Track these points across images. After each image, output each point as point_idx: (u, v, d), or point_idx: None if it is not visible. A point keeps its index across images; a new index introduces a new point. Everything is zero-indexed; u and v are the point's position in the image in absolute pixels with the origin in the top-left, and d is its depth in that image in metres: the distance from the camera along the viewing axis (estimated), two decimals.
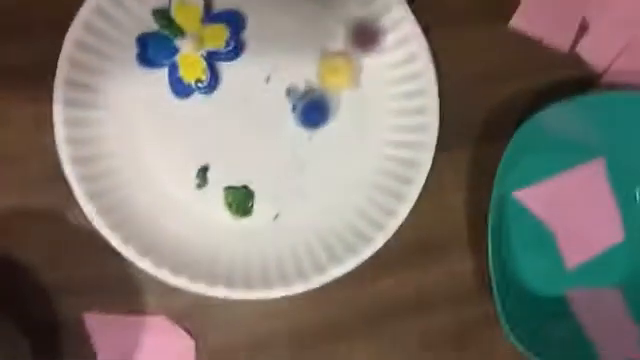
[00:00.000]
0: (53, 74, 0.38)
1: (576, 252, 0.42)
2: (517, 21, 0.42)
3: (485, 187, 0.39)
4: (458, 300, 0.42)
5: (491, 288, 0.38)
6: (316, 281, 0.39)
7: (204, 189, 0.41)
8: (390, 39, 0.40)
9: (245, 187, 0.41)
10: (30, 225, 0.39)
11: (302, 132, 0.41)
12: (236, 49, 0.40)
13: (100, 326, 0.40)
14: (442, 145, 0.40)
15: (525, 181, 0.41)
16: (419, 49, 0.40)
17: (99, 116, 0.39)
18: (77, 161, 0.38)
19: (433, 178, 0.40)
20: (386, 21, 0.40)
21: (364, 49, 0.40)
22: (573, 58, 0.42)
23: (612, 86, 0.42)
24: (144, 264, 0.38)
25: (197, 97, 0.40)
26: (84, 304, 0.39)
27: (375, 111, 0.41)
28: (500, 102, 0.42)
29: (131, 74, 0.40)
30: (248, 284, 0.39)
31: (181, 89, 0.40)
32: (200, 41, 0.39)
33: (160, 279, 0.38)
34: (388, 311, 0.42)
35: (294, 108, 0.40)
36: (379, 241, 0.39)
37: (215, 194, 0.41)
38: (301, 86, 0.41)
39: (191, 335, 0.40)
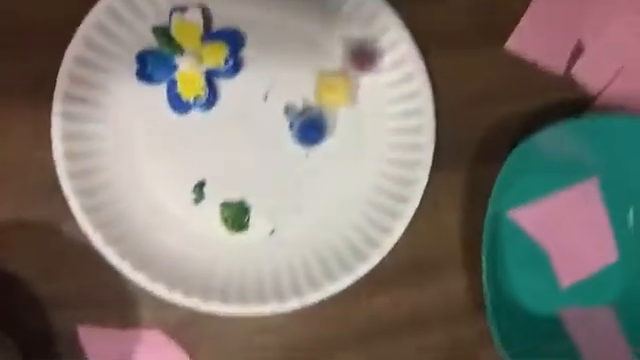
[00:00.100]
0: (53, 88, 0.38)
1: (570, 272, 0.42)
2: (513, 44, 0.42)
3: (480, 206, 0.39)
4: (453, 319, 0.42)
5: (485, 307, 0.38)
6: (311, 297, 0.39)
7: (200, 204, 0.41)
8: (387, 59, 0.41)
9: (241, 202, 0.41)
10: (26, 237, 0.39)
11: (299, 149, 0.41)
12: (235, 67, 0.40)
13: (94, 339, 0.40)
14: (438, 164, 0.40)
15: (520, 201, 0.42)
16: (415, 70, 0.40)
17: (97, 130, 0.40)
18: (74, 175, 0.38)
19: (428, 197, 0.40)
20: (384, 42, 0.41)
21: (362, 69, 0.41)
22: (568, 81, 0.43)
23: (606, 109, 0.42)
24: (139, 278, 0.38)
25: (195, 113, 0.40)
26: (79, 317, 0.40)
27: (372, 129, 0.41)
28: (495, 123, 0.42)
29: (130, 89, 0.40)
30: (243, 299, 0.39)
31: (179, 105, 0.40)
32: (199, 59, 0.39)
33: (155, 293, 0.38)
34: (383, 329, 0.42)
35: (291, 125, 0.41)
36: (374, 258, 0.40)
37: (211, 209, 0.41)
38: (299, 104, 0.41)
39: (185, 349, 0.40)
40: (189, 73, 0.40)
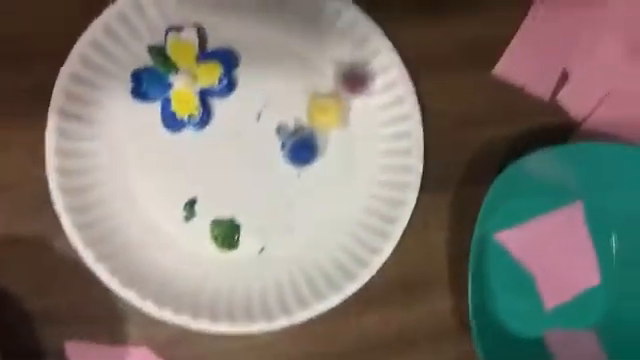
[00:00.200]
0: (49, 104, 0.39)
1: (554, 294, 0.43)
2: (500, 69, 0.43)
3: (467, 228, 0.40)
4: (439, 338, 0.42)
5: (471, 328, 0.38)
6: (299, 316, 0.39)
7: (191, 221, 0.41)
8: (378, 82, 0.41)
9: (232, 221, 0.41)
10: (18, 253, 0.39)
11: (290, 169, 0.42)
12: (229, 86, 0.41)
13: (82, 355, 0.40)
14: (426, 186, 0.41)
15: (506, 224, 0.42)
16: (406, 93, 0.41)
17: (91, 147, 0.40)
18: (66, 191, 0.39)
19: (417, 218, 0.41)
20: (375, 65, 0.41)
21: (353, 91, 0.41)
22: (554, 106, 0.44)
23: (591, 135, 0.43)
24: (129, 295, 0.38)
25: (189, 131, 0.41)
26: (67, 333, 0.40)
27: (362, 151, 0.42)
28: (482, 146, 0.43)
29: (124, 107, 0.40)
30: (231, 317, 0.39)
31: (173, 123, 0.40)
32: (194, 78, 0.40)
33: (144, 311, 0.38)
34: (372, 347, 0.42)
35: (283, 145, 0.41)
36: (363, 278, 0.40)
37: (202, 227, 0.41)
38: (291, 124, 0.42)
39: None
40: (183, 92, 0.40)
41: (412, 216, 0.41)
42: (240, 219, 0.41)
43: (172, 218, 0.41)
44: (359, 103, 0.42)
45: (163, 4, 0.40)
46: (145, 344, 0.40)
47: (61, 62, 0.39)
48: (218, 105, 0.41)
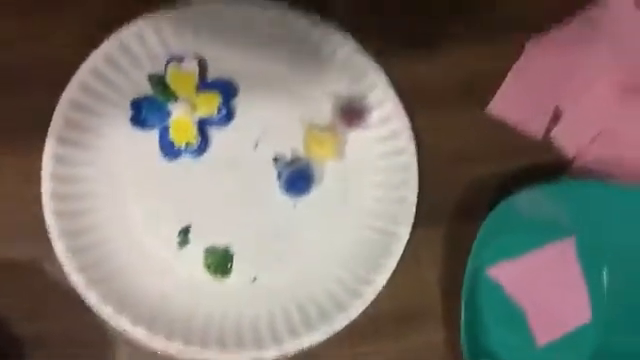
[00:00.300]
0: (46, 129, 0.39)
1: (545, 330, 0.43)
2: (494, 106, 0.44)
3: (459, 262, 0.40)
4: None
5: None
6: (290, 346, 0.39)
7: (185, 248, 0.41)
8: (374, 116, 0.42)
9: (226, 249, 0.41)
10: (9, 276, 0.39)
11: (286, 199, 0.42)
12: (227, 116, 0.41)
13: None
14: (419, 219, 0.41)
15: (498, 259, 0.42)
16: (401, 127, 0.42)
17: (87, 173, 0.40)
18: (60, 215, 0.39)
19: (410, 250, 0.41)
20: (371, 99, 0.42)
21: (350, 124, 0.42)
22: (546, 144, 0.44)
23: (583, 172, 0.44)
24: (120, 322, 0.38)
25: (186, 159, 0.41)
26: (58, 358, 0.39)
27: (357, 182, 0.42)
28: (474, 182, 0.43)
29: (123, 134, 0.41)
30: (222, 345, 0.39)
31: (171, 151, 0.41)
32: (193, 107, 0.40)
33: (135, 337, 0.38)
34: None
35: (280, 175, 0.42)
36: (355, 310, 0.40)
37: (195, 254, 0.41)
38: (288, 154, 0.42)
39: None
40: (182, 120, 0.41)
41: (405, 249, 0.41)
42: (234, 247, 0.41)
43: (166, 244, 0.41)
44: (355, 136, 0.42)
45: (164, 34, 0.41)
46: None
47: (58, 89, 0.39)
48: (216, 134, 0.42)
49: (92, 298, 0.38)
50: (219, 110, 0.41)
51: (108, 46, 0.40)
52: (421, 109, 0.42)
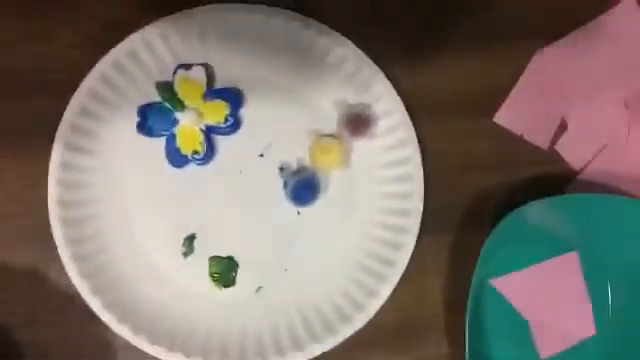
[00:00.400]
0: (52, 135, 0.39)
1: (549, 344, 0.42)
2: (500, 117, 0.44)
3: (464, 273, 0.40)
4: None
5: None
6: (293, 357, 0.39)
7: (190, 257, 0.41)
8: (381, 126, 0.42)
9: (230, 258, 0.41)
10: (11, 282, 0.39)
11: (291, 208, 0.42)
12: (234, 125, 0.41)
13: None
14: (424, 230, 0.41)
15: (503, 271, 0.42)
16: (407, 137, 0.42)
17: (93, 180, 0.40)
18: (66, 222, 0.39)
19: (414, 261, 0.41)
20: (378, 109, 0.42)
21: (356, 133, 0.42)
22: (552, 155, 0.44)
23: (588, 184, 0.44)
24: (122, 330, 0.38)
25: (192, 167, 0.41)
26: None
27: (363, 193, 0.42)
28: (480, 192, 0.43)
29: (129, 141, 0.41)
30: (225, 356, 0.39)
31: (177, 159, 0.41)
32: (200, 115, 0.40)
33: (137, 346, 0.38)
34: None
35: (285, 184, 0.42)
36: (359, 321, 0.40)
37: (200, 263, 0.41)
38: (294, 163, 0.42)
39: None
40: (189, 128, 0.41)
41: (410, 260, 0.41)
42: (238, 257, 0.41)
43: (170, 253, 0.41)
44: (361, 145, 0.42)
45: (171, 42, 0.41)
46: None
47: (61, 91, 0.39)
48: (222, 142, 0.42)
49: (95, 305, 0.38)
50: (226, 119, 0.41)
51: (116, 52, 0.40)
52: (427, 118, 0.42)
